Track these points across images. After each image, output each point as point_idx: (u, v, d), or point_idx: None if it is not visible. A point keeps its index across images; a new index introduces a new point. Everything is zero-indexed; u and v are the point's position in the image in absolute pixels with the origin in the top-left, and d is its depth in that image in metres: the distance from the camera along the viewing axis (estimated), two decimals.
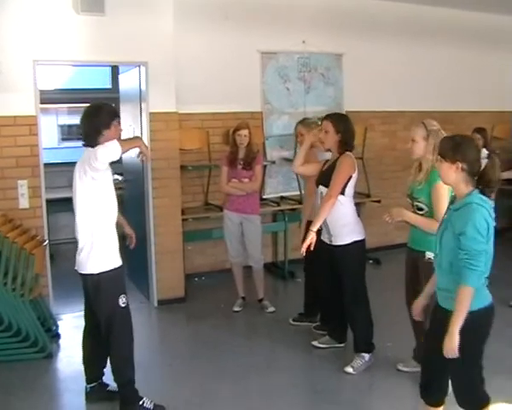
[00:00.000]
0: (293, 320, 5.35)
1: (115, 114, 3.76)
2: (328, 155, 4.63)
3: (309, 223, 4.51)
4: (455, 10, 8.07)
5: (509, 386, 3.96)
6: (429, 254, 3.86)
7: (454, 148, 2.94)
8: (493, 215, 2.85)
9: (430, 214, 3.87)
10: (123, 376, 3.76)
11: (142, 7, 5.53)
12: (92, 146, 3.57)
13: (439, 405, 3.16)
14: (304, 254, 4.24)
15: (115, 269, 3.67)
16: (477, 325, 2.89)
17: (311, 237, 4.20)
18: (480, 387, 3.01)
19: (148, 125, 5.66)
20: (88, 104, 3.85)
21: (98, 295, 3.65)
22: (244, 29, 6.67)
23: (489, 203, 2.86)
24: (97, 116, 3.66)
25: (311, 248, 4.21)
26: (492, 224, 2.84)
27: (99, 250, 3.62)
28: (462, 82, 8.31)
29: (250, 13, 6.71)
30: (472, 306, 2.83)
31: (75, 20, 5.27)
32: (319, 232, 4.40)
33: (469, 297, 2.79)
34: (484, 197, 2.87)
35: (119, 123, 3.77)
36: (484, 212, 2.82)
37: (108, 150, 3.47)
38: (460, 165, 2.90)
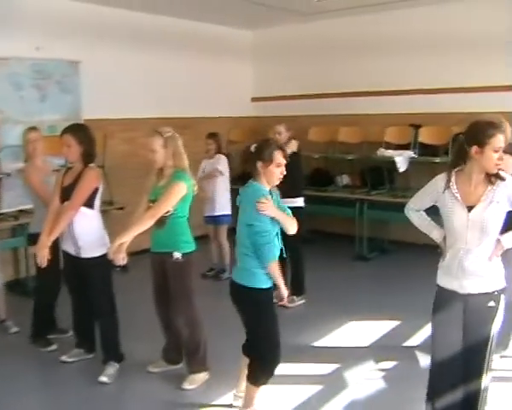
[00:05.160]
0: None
1: None
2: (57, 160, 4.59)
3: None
4: (191, 21, 8.61)
5: None
6: (176, 255, 4.08)
7: (258, 151, 3.52)
8: None
9: (176, 216, 4.07)
10: None
11: None
12: None
13: None
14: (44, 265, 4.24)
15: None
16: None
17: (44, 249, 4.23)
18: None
19: None
20: None
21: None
22: None
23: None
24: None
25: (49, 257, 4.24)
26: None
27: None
28: (198, 90, 8.85)
29: None
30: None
31: None
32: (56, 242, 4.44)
33: None
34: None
35: None
36: None
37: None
38: (260, 163, 3.48)
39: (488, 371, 3.05)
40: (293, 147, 5.94)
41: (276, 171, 3.51)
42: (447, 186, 3.01)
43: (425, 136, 7.82)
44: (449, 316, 3.07)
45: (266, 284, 3.51)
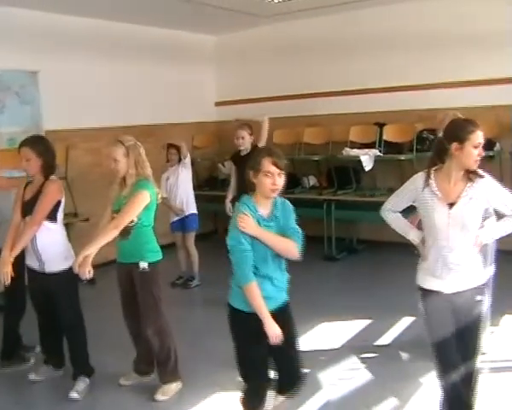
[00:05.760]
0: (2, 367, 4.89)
1: None
2: (17, 173, 4.48)
3: None
4: (153, 28, 8.54)
5: None
6: (143, 264, 4.05)
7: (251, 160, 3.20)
8: None
9: (141, 225, 4.04)
10: None
11: None
12: None
13: None
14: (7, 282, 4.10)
15: None
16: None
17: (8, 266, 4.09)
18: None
19: None
20: None
21: None
22: None
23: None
24: None
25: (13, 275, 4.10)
26: None
27: None
28: (161, 96, 8.81)
29: None
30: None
31: None
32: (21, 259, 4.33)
33: None
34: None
35: None
36: None
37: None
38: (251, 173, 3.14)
39: (479, 353, 3.15)
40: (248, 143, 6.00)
41: (266, 181, 3.06)
42: (426, 184, 3.05)
43: (389, 134, 7.89)
44: (439, 314, 3.09)
45: (244, 307, 3.13)
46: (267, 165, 3.06)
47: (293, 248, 3.13)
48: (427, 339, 3.18)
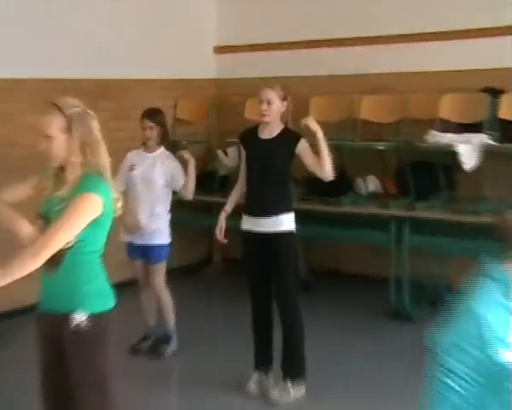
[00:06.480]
0: None
1: None
2: None
3: None
4: None
5: None
6: (79, 316, 3.80)
7: None
8: None
9: (83, 251, 3.83)
10: None
11: None
12: None
13: None
14: None
15: None
16: None
17: None
18: None
19: None
20: None
21: None
22: None
23: None
24: None
25: None
26: None
27: None
28: (126, 34, 8.82)
29: None
30: None
31: None
32: None
33: None
34: None
35: None
36: None
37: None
38: None
39: None
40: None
41: None
42: None
43: (510, 108, 7.73)
44: None
45: None
46: None
47: None
48: None
